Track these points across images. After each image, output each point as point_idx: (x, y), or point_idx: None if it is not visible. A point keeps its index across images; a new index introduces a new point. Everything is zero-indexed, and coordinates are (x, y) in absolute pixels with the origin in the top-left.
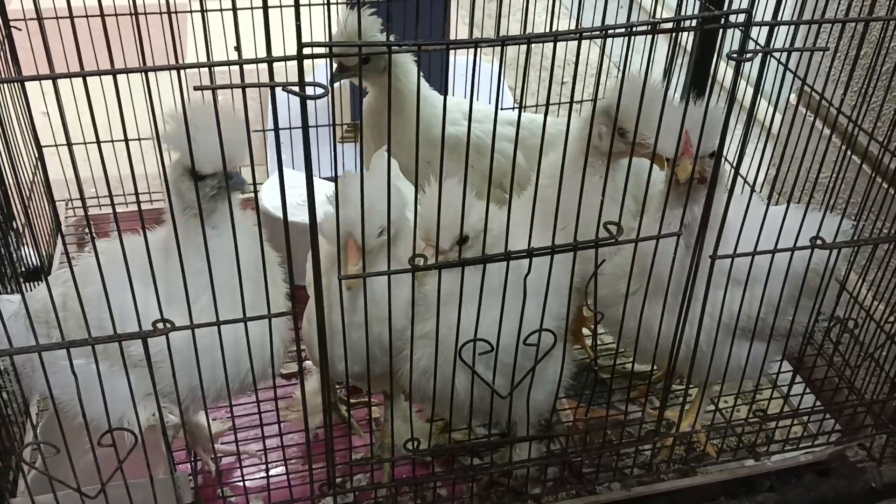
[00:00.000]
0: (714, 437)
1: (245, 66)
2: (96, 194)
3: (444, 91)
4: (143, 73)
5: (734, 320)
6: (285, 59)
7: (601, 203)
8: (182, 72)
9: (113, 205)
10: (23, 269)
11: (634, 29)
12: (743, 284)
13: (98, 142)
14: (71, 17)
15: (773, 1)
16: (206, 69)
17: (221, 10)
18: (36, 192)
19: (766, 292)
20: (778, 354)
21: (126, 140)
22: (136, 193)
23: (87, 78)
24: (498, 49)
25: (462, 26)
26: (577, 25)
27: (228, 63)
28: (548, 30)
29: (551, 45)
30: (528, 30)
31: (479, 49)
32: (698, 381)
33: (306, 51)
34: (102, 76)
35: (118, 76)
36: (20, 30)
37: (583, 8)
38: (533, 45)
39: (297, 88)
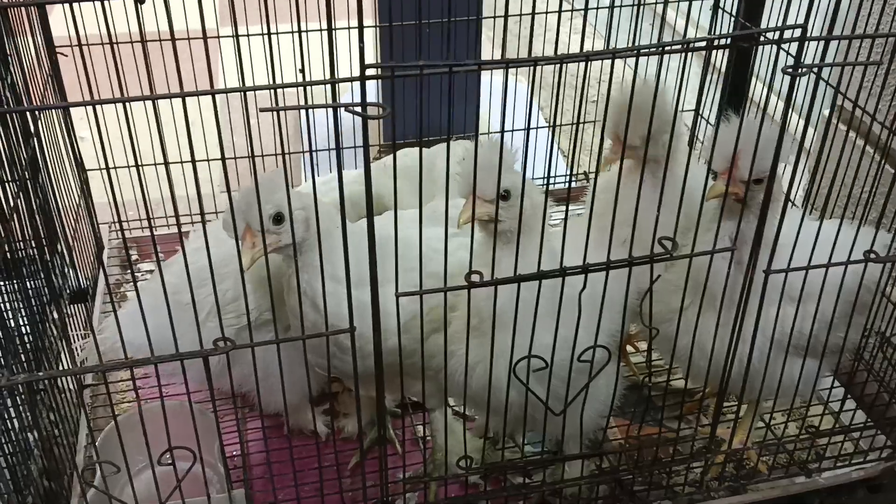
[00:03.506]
0: (765, 454)
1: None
2: (138, 216)
3: (476, 110)
4: (211, 96)
5: (786, 336)
6: (350, 80)
7: (656, 218)
8: (226, 95)
9: (169, 225)
10: (68, 292)
11: (668, 48)
12: (795, 300)
13: (138, 165)
14: (113, 42)
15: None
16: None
17: (264, 34)
18: (81, 215)
19: (819, 308)
20: (828, 371)
21: (166, 163)
22: (177, 215)
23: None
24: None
25: (489, 45)
26: (606, 45)
27: (293, 85)
28: (581, 49)
29: (582, 65)
30: (560, 50)
31: (508, 70)
32: (750, 398)
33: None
34: (170, 99)
35: (187, 99)
36: (66, 55)
37: (610, 27)
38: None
39: (359, 109)
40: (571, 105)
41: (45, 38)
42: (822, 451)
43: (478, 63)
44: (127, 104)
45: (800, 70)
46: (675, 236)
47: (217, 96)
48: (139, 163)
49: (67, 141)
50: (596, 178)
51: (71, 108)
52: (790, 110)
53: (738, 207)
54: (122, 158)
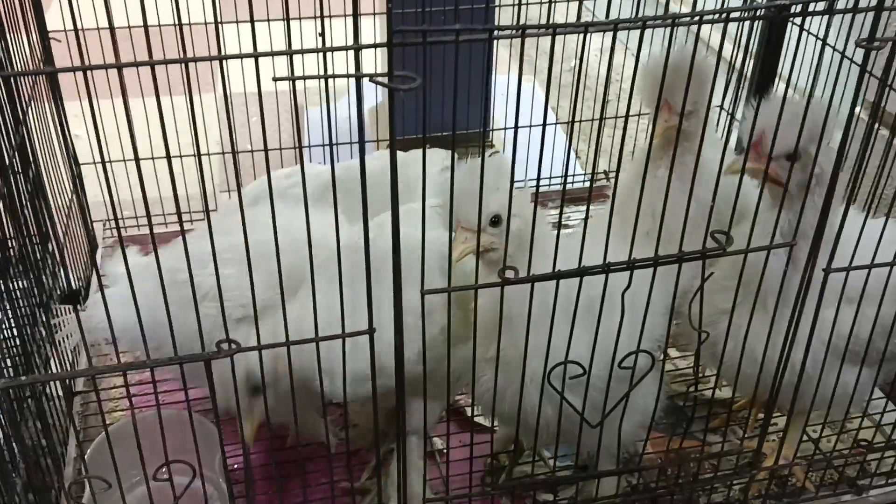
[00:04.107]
0: (811, 471)
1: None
2: (134, 214)
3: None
4: (218, 61)
5: (843, 341)
6: (375, 46)
7: (710, 210)
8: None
9: (178, 224)
10: (59, 292)
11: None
12: (852, 302)
13: (137, 159)
14: (112, 27)
15: None
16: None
17: (274, 19)
18: (73, 211)
19: (875, 311)
20: (881, 382)
21: (168, 157)
22: (179, 213)
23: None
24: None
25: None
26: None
27: (313, 51)
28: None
29: (597, 65)
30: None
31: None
32: (800, 409)
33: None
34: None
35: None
36: (59, 41)
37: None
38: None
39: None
40: (587, 105)
41: (37, 23)
42: (869, 468)
43: (521, 27)
44: (125, 93)
45: (874, 43)
46: (729, 230)
47: (217, 94)
48: (137, 156)
49: (60, 131)
50: (648, 152)
51: (65, 105)
52: (860, 88)
53: (787, 200)
54: (117, 156)
